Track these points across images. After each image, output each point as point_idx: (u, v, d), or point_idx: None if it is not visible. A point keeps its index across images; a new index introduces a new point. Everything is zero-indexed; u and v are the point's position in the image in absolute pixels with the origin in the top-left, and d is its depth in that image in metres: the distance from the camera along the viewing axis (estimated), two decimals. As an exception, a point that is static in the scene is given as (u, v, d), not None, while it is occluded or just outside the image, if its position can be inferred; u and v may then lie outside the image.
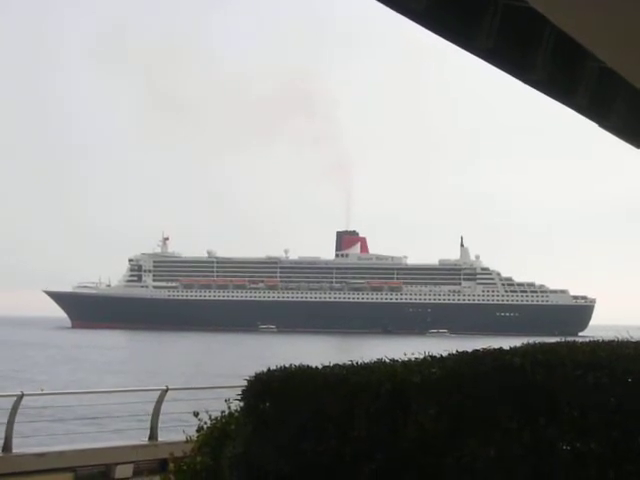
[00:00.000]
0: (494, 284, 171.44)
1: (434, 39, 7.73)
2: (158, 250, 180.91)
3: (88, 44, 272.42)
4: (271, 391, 6.57)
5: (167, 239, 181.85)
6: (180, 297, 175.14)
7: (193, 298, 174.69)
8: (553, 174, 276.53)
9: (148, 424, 13.32)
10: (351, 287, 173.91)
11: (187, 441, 8.08)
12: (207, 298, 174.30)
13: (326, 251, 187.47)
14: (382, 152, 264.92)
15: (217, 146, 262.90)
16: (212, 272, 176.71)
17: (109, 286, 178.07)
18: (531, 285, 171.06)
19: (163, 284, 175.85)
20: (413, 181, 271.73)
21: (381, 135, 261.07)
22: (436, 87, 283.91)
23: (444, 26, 7.70)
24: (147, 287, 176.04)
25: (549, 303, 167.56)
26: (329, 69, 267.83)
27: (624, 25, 6.84)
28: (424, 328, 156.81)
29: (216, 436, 7.39)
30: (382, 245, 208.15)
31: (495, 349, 6.47)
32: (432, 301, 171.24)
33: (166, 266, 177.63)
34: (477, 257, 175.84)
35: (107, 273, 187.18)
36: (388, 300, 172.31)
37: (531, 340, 7.10)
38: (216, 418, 7.73)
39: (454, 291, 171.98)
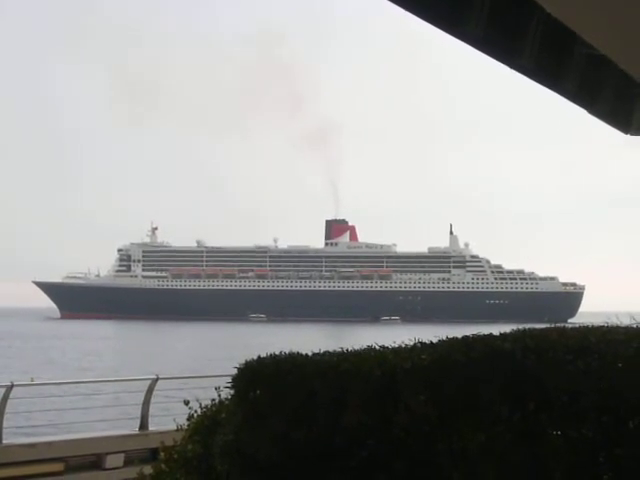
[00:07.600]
0: (483, 271, 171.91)
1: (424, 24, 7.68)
2: (147, 240, 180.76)
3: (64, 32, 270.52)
4: (261, 379, 6.55)
5: (156, 229, 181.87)
6: (169, 287, 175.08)
7: (183, 288, 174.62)
8: (543, 160, 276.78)
9: (138, 413, 13.31)
10: (341, 276, 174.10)
11: (178, 430, 8.07)
12: (197, 288, 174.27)
13: (315, 240, 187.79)
14: (371, 140, 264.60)
15: (201, 132, 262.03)
16: (201, 262, 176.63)
17: (98, 276, 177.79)
18: (520, 272, 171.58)
19: (152, 274, 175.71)
20: (402, 168, 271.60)
21: (370, 122, 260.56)
22: (427, 73, 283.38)
23: (433, 13, 7.66)
24: (136, 277, 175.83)
25: (539, 290, 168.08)
26: (318, 59, 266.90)
27: (617, 9, 6.82)
28: (414, 316, 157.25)
29: (207, 424, 7.37)
30: (371, 233, 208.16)
31: (485, 335, 6.47)
32: (422, 289, 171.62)
33: (155, 256, 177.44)
34: (466, 245, 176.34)
35: (96, 263, 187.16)
36: (378, 288, 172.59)
37: (521, 327, 7.11)
38: (207, 406, 7.71)
39: (444, 279, 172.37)
